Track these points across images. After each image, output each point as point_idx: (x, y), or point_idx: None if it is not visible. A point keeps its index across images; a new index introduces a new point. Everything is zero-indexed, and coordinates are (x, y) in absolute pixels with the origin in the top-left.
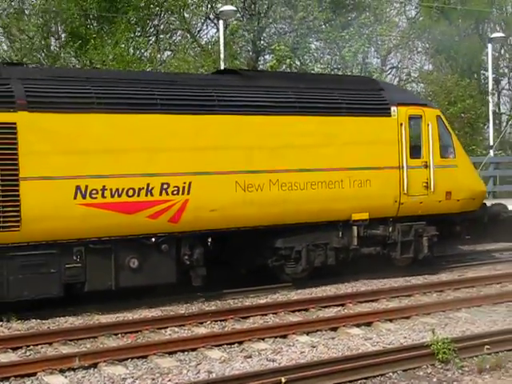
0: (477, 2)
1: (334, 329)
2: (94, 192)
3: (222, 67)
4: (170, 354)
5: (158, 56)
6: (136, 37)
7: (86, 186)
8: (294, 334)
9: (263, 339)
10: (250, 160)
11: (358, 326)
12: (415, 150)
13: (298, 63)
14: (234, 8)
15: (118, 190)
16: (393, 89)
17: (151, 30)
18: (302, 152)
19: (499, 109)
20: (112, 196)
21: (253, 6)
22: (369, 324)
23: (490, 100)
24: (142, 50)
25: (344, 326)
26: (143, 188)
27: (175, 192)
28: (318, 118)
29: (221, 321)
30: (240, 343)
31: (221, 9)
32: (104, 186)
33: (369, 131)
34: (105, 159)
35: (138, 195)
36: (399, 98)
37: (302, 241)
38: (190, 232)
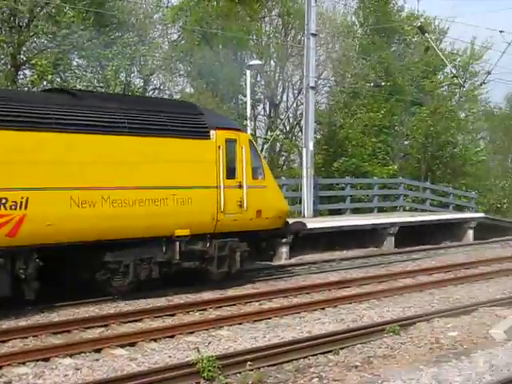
0: (236, 30)
1: (98, 350)
2: None
3: None
4: None
5: None
6: None
7: None
8: (56, 356)
9: (24, 363)
10: (83, 177)
11: (122, 346)
12: (231, 171)
13: (59, 80)
14: None
15: None
16: (212, 114)
17: None
18: (130, 170)
19: (255, 133)
20: None
21: (12, 18)
22: (133, 344)
23: (249, 124)
24: None
25: (108, 346)
26: None
27: (13, 207)
28: (144, 138)
29: None
30: None
31: None
32: None
33: (191, 152)
34: None
35: None
36: (217, 123)
37: (129, 255)
38: (26, 246)
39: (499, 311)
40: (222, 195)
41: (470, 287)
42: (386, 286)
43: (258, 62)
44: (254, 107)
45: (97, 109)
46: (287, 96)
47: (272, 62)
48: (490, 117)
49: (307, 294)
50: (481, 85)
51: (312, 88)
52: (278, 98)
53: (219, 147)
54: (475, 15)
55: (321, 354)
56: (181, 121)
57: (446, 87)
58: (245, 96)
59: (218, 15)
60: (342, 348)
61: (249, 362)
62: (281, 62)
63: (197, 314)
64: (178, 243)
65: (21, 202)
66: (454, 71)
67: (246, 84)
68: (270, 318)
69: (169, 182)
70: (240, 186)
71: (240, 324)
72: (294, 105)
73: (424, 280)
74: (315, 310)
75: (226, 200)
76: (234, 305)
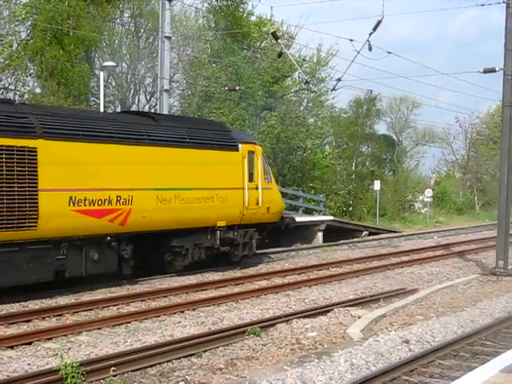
0: (88, 30)
1: None
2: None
3: None
4: None
5: None
6: None
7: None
8: None
9: None
10: (164, 180)
11: None
12: (251, 176)
13: None
14: None
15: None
16: (236, 131)
17: None
18: (191, 175)
19: None
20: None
21: None
22: None
23: None
24: None
25: None
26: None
27: (124, 203)
28: (198, 150)
29: None
30: None
31: None
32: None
33: (226, 161)
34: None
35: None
36: (242, 138)
37: (188, 241)
38: (129, 233)
39: (354, 311)
40: (246, 195)
41: (324, 288)
42: (243, 289)
43: (111, 63)
44: (106, 109)
45: (169, 128)
46: (138, 99)
47: (124, 63)
48: (337, 122)
49: (165, 297)
50: (332, 91)
51: (166, 91)
52: (130, 100)
53: (244, 157)
54: (322, 24)
55: (184, 357)
56: (219, 137)
57: (295, 93)
58: (98, 98)
59: (69, 15)
60: (204, 351)
61: (112, 368)
62: (133, 64)
63: (53, 319)
64: (218, 232)
65: (129, 199)
66: (306, 77)
67: (98, 85)
68: (129, 323)
69: (214, 184)
70: (257, 188)
71: (99, 329)
72: (147, 107)
73: (279, 282)
74: (174, 313)
75: (249, 198)
76: (91, 309)
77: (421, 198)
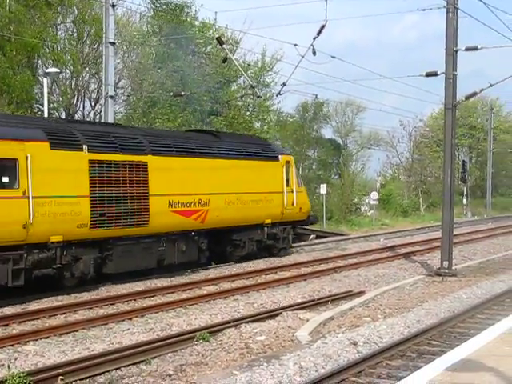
0: (30, 36)
1: None
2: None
3: None
4: None
5: None
6: None
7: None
8: None
9: None
10: (228, 186)
11: None
12: (287, 182)
13: None
14: None
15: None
16: (275, 144)
17: None
18: (247, 181)
19: None
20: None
21: None
22: None
23: None
24: None
25: None
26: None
27: (204, 204)
28: (251, 161)
29: None
30: None
31: None
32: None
33: (270, 169)
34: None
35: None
36: (280, 150)
37: (245, 235)
38: (206, 229)
39: (302, 314)
40: (285, 197)
41: (272, 292)
42: (191, 294)
43: (55, 69)
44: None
45: (230, 144)
46: (83, 105)
47: (67, 70)
48: (283, 127)
49: (113, 304)
50: (277, 95)
51: (111, 97)
52: (74, 106)
53: (283, 166)
54: (266, 29)
55: (133, 364)
56: (265, 150)
57: (241, 98)
58: (41, 104)
59: (10, 20)
60: (153, 357)
61: (60, 377)
62: (76, 70)
63: None
64: (265, 228)
65: (207, 202)
66: (251, 82)
67: (42, 92)
68: (77, 331)
69: (262, 188)
70: (292, 191)
71: (46, 338)
72: (92, 114)
73: (227, 287)
74: (123, 320)
75: (287, 200)
76: (38, 319)
77: (367, 200)
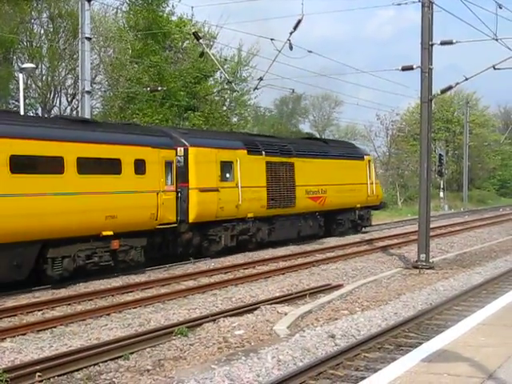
0: (5, 31)
1: None
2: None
3: None
4: None
5: None
6: None
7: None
8: None
9: None
10: (336, 179)
11: None
12: (369, 176)
13: None
14: None
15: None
16: (359, 147)
17: None
18: (344, 176)
19: None
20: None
21: None
22: None
23: None
24: None
25: None
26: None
27: (324, 192)
28: (346, 161)
29: None
30: None
31: None
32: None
33: (358, 167)
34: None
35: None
36: (364, 152)
37: (345, 216)
38: (324, 211)
39: (280, 308)
40: (368, 187)
41: (251, 286)
42: (170, 289)
43: (31, 65)
44: (26, 112)
45: (335, 148)
46: (60, 101)
47: (43, 65)
48: (261, 121)
49: (90, 300)
50: (254, 90)
51: (88, 92)
52: (51, 102)
53: (366, 164)
54: (243, 24)
55: (111, 360)
56: (355, 151)
57: (218, 92)
58: (18, 100)
59: None
60: (131, 353)
61: (38, 373)
62: (53, 66)
63: None
64: (356, 211)
65: (326, 190)
66: (228, 77)
67: (18, 88)
68: (54, 327)
69: (355, 181)
70: (372, 183)
71: (24, 335)
72: (68, 110)
73: (206, 282)
74: (101, 316)
75: (369, 190)
76: (15, 315)
77: None
